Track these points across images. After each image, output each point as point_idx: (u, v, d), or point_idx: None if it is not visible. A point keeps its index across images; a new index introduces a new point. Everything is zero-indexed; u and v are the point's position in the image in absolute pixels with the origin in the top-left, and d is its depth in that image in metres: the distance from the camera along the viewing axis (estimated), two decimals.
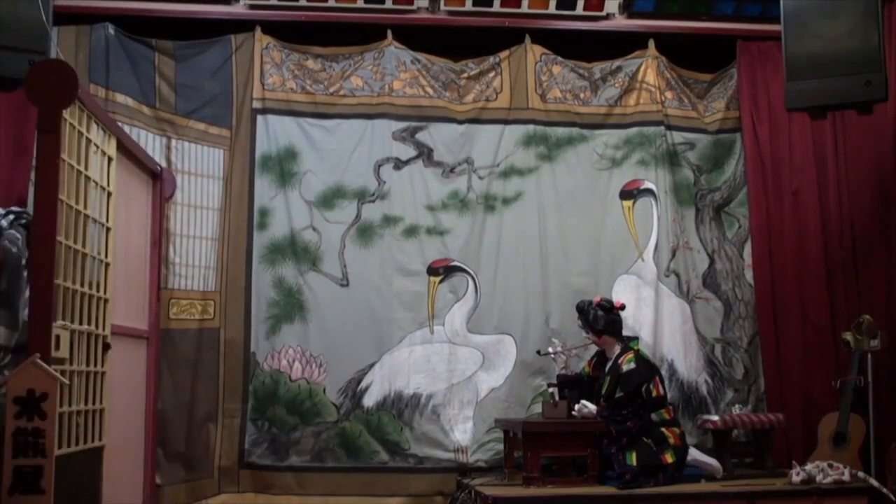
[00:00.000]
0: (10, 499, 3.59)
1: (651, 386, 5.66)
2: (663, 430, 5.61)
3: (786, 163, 6.67)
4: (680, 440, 5.64)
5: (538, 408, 6.10)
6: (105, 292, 4.75)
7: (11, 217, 4.63)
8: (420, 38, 6.60)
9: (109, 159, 4.88)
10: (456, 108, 6.59)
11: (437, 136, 6.53)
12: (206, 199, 6.24)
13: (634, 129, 6.69)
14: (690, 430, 6.17)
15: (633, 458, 5.45)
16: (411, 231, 6.39)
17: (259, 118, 6.37)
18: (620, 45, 6.79)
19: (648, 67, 6.77)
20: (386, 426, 6.19)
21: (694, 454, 5.79)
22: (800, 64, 5.43)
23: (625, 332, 6.01)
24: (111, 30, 6.04)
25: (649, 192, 6.63)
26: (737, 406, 6.35)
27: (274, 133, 6.37)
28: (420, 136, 6.51)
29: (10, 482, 3.59)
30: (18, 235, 4.58)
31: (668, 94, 6.80)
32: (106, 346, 4.68)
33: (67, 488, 3.97)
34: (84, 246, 4.45)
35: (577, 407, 5.69)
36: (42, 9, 4.64)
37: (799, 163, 6.66)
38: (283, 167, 6.34)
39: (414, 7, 6.49)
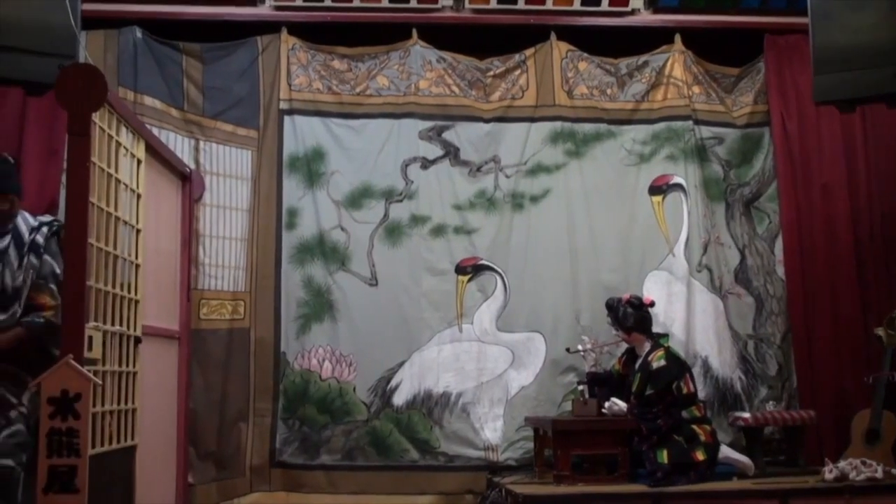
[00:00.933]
0: (45, 498, 3.62)
1: (681, 383, 5.63)
2: (694, 427, 5.58)
3: (815, 157, 6.60)
4: (711, 437, 5.60)
5: (568, 406, 6.07)
6: (136, 293, 4.80)
7: (45, 230, 4.63)
8: (445, 36, 6.60)
9: (139, 162, 4.93)
10: (482, 107, 6.59)
11: (464, 134, 6.53)
12: (235, 200, 6.28)
13: (662, 125, 6.66)
14: (725, 428, 6.13)
15: (664, 456, 5.42)
16: (439, 230, 6.40)
17: (286, 119, 6.40)
18: (646, 40, 6.76)
19: (675, 62, 6.73)
20: (416, 425, 6.20)
21: (726, 451, 5.73)
22: (827, 57, 5.35)
23: (656, 329, 5.99)
24: (139, 33, 6.10)
25: (679, 187, 6.59)
26: (770, 403, 6.32)
27: (301, 133, 6.40)
28: (446, 135, 6.52)
29: (45, 482, 3.63)
30: (57, 249, 4.59)
31: (696, 89, 6.76)
32: (137, 340, 4.71)
33: (101, 487, 4.00)
34: (115, 248, 4.50)
35: (607, 405, 5.66)
36: (70, 13, 4.66)
37: (828, 156, 6.59)
38: (311, 167, 6.36)
39: (439, 6, 6.50)
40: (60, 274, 4.46)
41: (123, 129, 4.70)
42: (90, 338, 4.04)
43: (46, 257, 4.54)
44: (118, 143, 4.60)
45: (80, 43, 4.87)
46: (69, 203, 4.05)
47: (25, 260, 4.28)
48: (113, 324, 4.44)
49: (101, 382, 4.08)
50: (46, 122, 5.38)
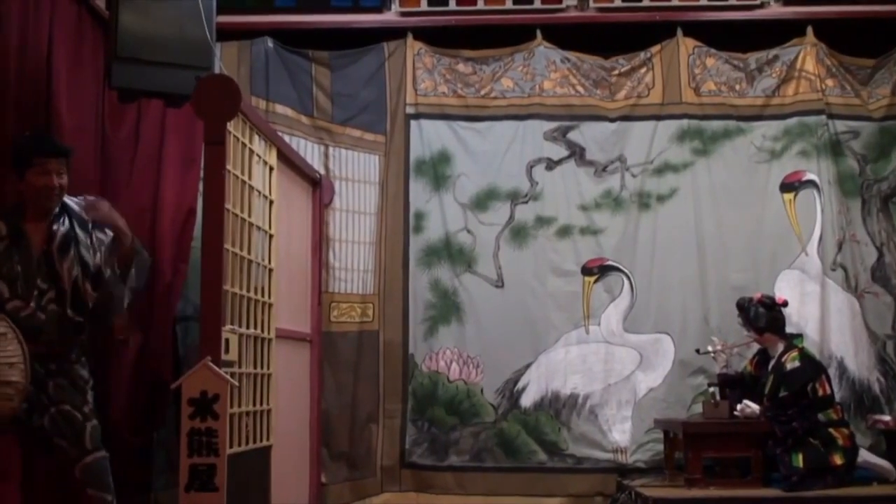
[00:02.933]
0: (187, 496, 3.71)
1: (817, 385, 5.50)
2: (831, 430, 5.44)
3: None
4: (849, 441, 5.46)
5: (698, 408, 5.97)
6: (269, 297, 4.91)
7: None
8: (569, 36, 6.57)
9: (271, 169, 5.04)
10: (607, 106, 6.54)
11: (589, 134, 6.49)
12: (363, 204, 6.39)
13: (794, 120, 6.48)
14: (863, 431, 5.94)
15: (799, 460, 5.31)
16: (565, 231, 6.38)
17: (412, 123, 6.48)
18: (776, 33, 6.59)
19: (807, 55, 6.54)
20: (543, 426, 6.20)
21: (865, 456, 5.58)
22: None
23: (789, 329, 5.85)
24: (270, 43, 6.28)
25: (811, 183, 6.41)
26: None
27: (427, 137, 6.46)
28: (571, 135, 6.49)
29: (187, 480, 3.72)
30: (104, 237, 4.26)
31: (829, 82, 6.55)
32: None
33: (239, 486, 4.10)
34: (249, 253, 4.61)
35: (739, 407, 5.57)
36: (206, 27, 4.80)
37: None
38: (437, 171, 6.42)
39: (563, 6, 6.49)
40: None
41: (256, 138, 4.81)
42: (227, 340, 4.15)
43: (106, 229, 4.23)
44: (251, 151, 4.71)
45: (216, 55, 4.99)
46: (206, 210, 4.16)
47: (94, 237, 4.08)
48: (248, 327, 4.55)
49: (237, 384, 4.18)
50: (184, 131, 5.51)
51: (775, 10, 6.55)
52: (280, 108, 6.20)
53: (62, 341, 3.91)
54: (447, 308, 6.31)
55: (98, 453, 3.91)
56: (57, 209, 3.98)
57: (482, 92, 6.55)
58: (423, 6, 6.46)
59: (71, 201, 4.08)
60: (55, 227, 3.94)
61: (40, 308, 3.84)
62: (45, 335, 3.84)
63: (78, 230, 4.01)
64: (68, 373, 3.93)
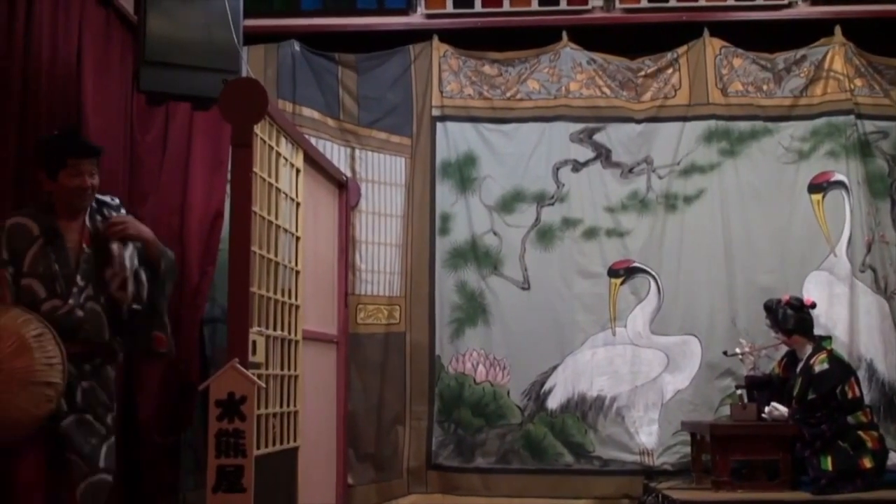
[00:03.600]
0: (214, 497, 3.72)
1: (846, 387, 5.46)
2: (860, 433, 5.41)
3: None
4: (879, 444, 5.42)
5: (726, 410, 5.94)
6: (296, 299, 4.92)
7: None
8: (595, 37, 6.55)
9: (298, 171, 5.05)
10: (633, 107, 6.52)
11: (615, 136, 6.47)
12: (390, 207, 6.40)
13: (822, 120, 6.43)
14: (893, 434, 5.89)
15: (828, 463, 5.27)
16: (591, 233, 6.36)
17: (438, 125, 6.49)
18: (804, 33, 6.54)
19: (835, 55, 6.49)
20: (570, 428, 6.18)
21: (894, 459, 5.53)
22: None
23: (818, 331, 5.81)
24: (297, 46, 6.30)
25: (840, 184, 6.36)
26: None
27: (453, 139, 6.47)
28: (598, 136, 6.47)
29: (214, 481, 3.74)
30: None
31: (858, 82, 6.50)
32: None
33: (266, 487, 4.11)
34: (276, 255, 4.62)
35: (767, 409, 5.54)
36: (233, 30, 4.84)
37: None
38: (463, 173, 6.43)
39: (589, 7, 6.47)
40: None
41: (283, 140, 4.82)
42: (254, 342, 4.15)
43: None
44: (278, 154, 4.72)
45: (243, 58, 5.03)
46: (233, 212, 4.17)
47: None
48: (275, 328, 4.56)
49: (264, 385, 4.18)
50: (212, 134, 5.55)
51: (803, 10, 6.50)
52: (306, 111, 6.23)
53: (99, 340, 3.90)
54: (473, 310, 6.31)
55: (106, 475, 3.84)
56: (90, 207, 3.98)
57: (508, 94, 6.55)
58: (449, 8, 6.46)
59: (105, 199, 4.09)
60: (89, 224, 3.94)
61: (79, 305, 3.83)
62: (83, 333, 3.82)
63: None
64: (100, 375, 3.92)
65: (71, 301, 3.80)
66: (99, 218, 4.00)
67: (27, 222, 3.80)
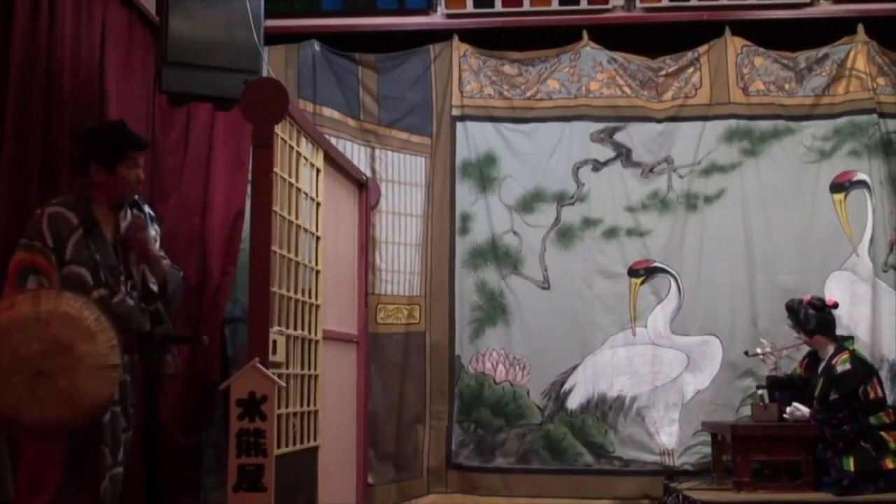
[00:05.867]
0: (235, 496, 3.74)
1: (868, 388, 5.43)
2: (883, 434, 5.37)
3: None
4: None
5: (747, 410, 5.93)
6: (317, 298, 4.94)
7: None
8: (616, 37, 6.54)
9: (318, 171, 5.07)
10: (654, 107, 6.50)
11: (636, 135, 6.46)
12: (410, 207, 6.42)
13: (844, 119, 6.39)
14: None
15: (850, 464, 5.25)
16: (611, 233, 6.35)
17: (458, 125, 6.49)
18: (826, 31, 6.50)
19: (858, 53, 6.44)
20: (590, 428, 6.18)
21: None
22: None
23: (840, 332, 5.77)
24: (317, 47, 6.32)
25: (862, 183, 6.32)
26: None
27: (473, 139, 6.47)
28: (618, 136, 6.46)
29: (235, 480, 3.75)
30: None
31: (881, 81, 6.45)
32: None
33: (287, 487, 4.14)
34: (297, 255, 4.64)
35: (788, 410, 5.52)
36: (254, 31, 4.86)
37: None
38: (483, 173, 6.43)
39: (609, 6, 6.44)
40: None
41: (304, 140, 4.84)
42: (274, 342, 4.18)
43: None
44: (299, 154, 4.74)
45: (263, 58, 5.05)
46: (254, 212, 4.20)
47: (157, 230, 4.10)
48: (296, 328, 4.58)
49: (285, 385, 4.20)
50: (233, 134, 5.58)
51: (825, 9, 6.45)
52: (327, 111, 6.24)
53: (143, 331, 3.88)
54: (493, 310, 6.31)
55: (122, 468, 3.80)
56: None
57: (528, 93, 6.55)
58: (469, 8, 6.46)
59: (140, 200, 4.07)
60: (122, 219, 3.90)
61: (128, 294, 3.81)
62: (134, 322, 3.81)
63: (150, 225, 4.01)
64: (133, 369, 3.90)
65: (122, 290, 3.79)
66: (127, 215, 3.94)
67: (65, 212, 3.74)
